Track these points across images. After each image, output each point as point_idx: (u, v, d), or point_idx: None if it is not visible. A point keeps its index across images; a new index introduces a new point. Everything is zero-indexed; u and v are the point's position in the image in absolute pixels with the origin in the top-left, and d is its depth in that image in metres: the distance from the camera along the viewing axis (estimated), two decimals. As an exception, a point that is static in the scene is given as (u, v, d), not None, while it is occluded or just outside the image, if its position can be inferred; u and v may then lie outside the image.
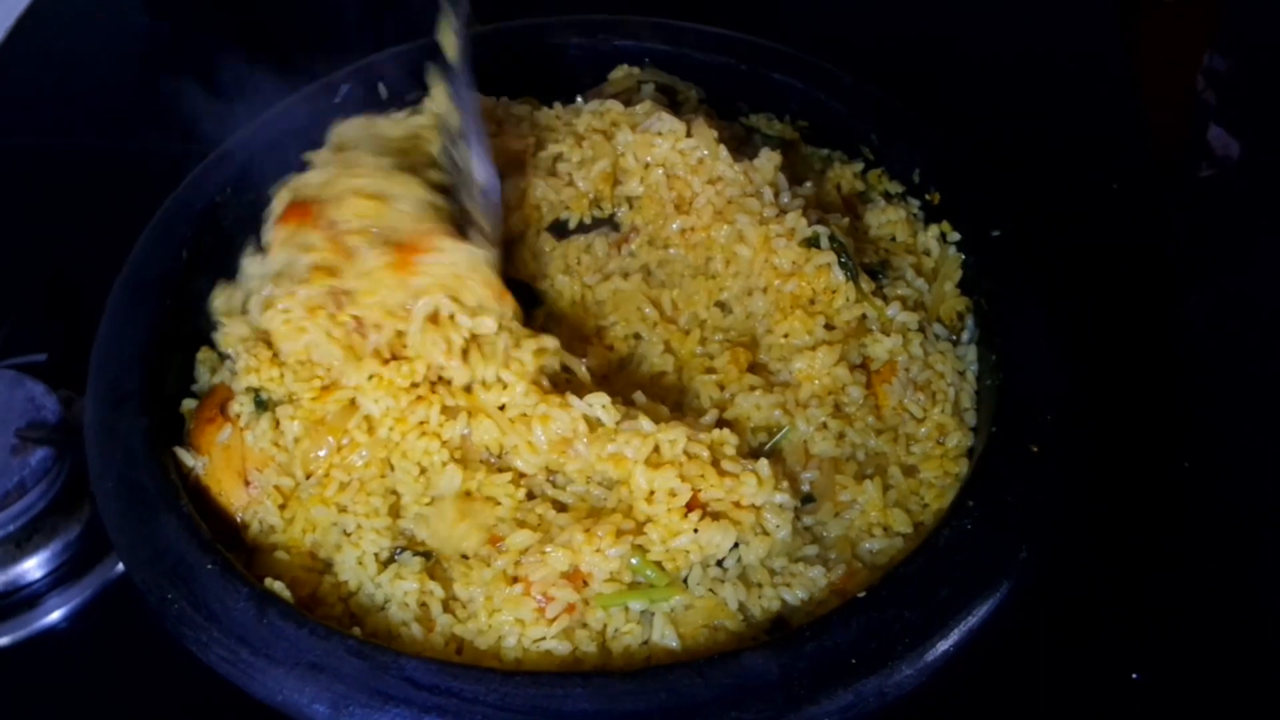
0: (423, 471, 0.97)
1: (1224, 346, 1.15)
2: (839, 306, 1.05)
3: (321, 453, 0.98)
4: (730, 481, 0.93)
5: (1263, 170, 1.14)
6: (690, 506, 0.93)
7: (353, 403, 0.98)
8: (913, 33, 1.40)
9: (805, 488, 0.98)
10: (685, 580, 0.92)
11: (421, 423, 0.97)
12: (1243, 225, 1.16)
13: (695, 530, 0.92)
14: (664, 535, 0.92)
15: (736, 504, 0.93)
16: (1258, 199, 1.15)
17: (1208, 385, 1.10)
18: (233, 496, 1.00)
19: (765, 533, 0.94)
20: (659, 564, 0.92)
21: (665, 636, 0.90)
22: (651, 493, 0.94)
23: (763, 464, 0.95)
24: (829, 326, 1.06)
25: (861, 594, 0.87)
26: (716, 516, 0.93)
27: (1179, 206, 1.21)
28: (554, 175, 1.18)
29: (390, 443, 0.98)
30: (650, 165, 1.16)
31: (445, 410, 0.98)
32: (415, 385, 0.98)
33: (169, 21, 1.51)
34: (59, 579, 1.12)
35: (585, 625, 0.91)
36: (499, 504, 0.95)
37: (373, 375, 0.97)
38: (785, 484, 0.95)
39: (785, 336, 1.05)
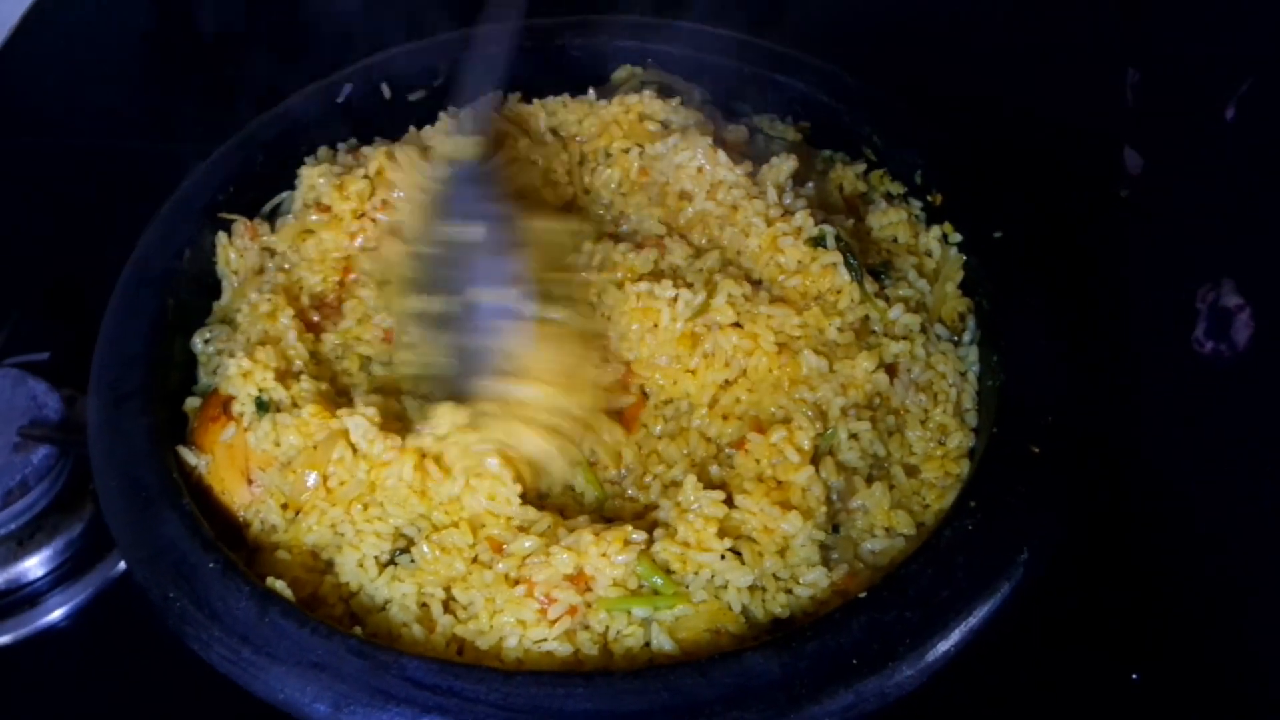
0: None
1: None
2: (843, 307, 1.05)
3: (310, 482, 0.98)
4: (775, 511, 0.93)
5: (1159, 187, 1.14)
6: (723, 533, 0.93)
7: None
8: (915, 35, 1.40)
9: (835, 497, 0.98)
10: (688, 585, 0.92)
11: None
12: (1150, 241, 1.16)
13: (723, 557, 0.91)
14: (691, 543, 0.92)
15: (767, 529, 0.93)
16: (1156, 217, 1.15)
17: (1206, 389, 1.10)
18: (235, 495, 1.00)
19: (784, 554, 0.93)
20: (667, 567, 0.92)
21: (663, 643, 0.90)
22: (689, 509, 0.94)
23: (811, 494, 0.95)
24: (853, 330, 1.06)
25: (863, 595, 0.88)
26: (750, 537, 0.93)
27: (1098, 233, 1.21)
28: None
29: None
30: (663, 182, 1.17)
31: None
32: None
33: (171, 22, 1.51)
34: (60, 577, 1.12)
35: (587, 627, 0.91)
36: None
37: None
38: (824, 507, 0.95)
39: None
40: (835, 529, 0.97)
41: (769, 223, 1.09)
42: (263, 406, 1.00)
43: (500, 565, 0.92)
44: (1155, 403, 1.11)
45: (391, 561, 0.95)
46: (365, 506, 0.96)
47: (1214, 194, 1.06)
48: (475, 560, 0.93)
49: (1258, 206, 1.01)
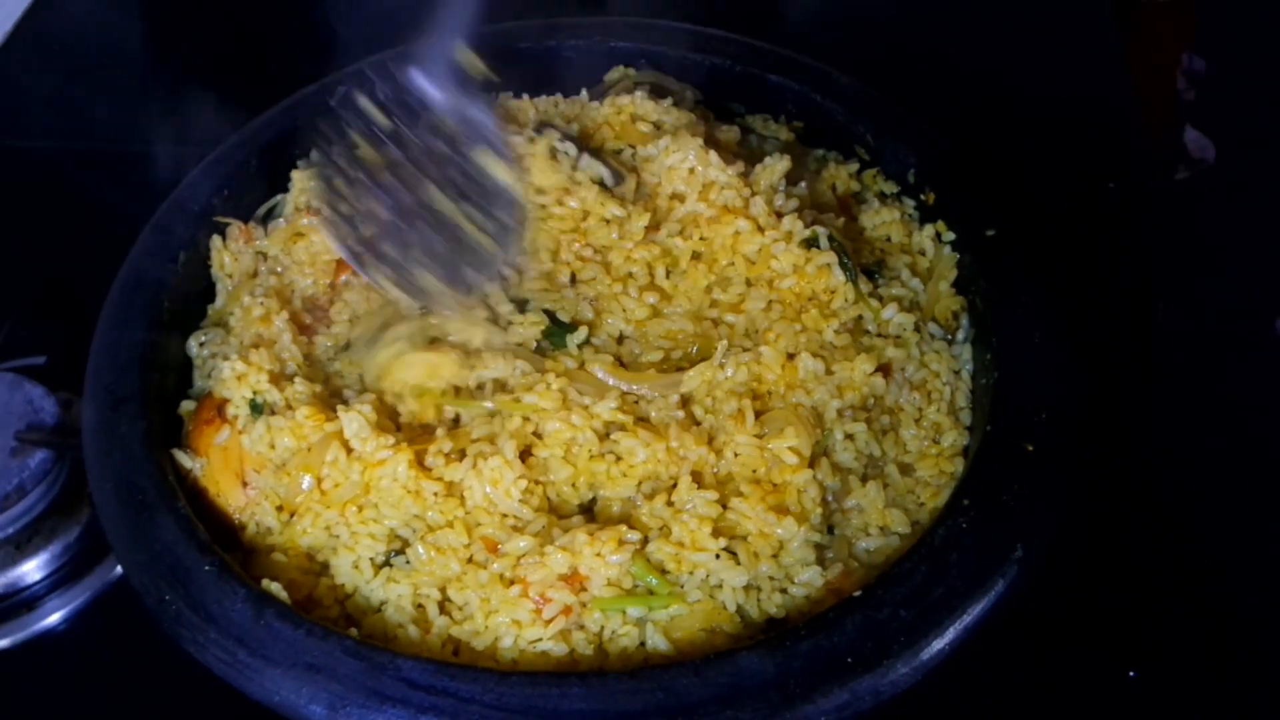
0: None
1: (1203, 350, 1.14)
2: (837, 307, 1.05)
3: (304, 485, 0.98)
4: (771, 517, 0.93)
5: (1235, 172, 1.14)
6: (717, 533, 0.93)
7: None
8: (907, 34, 1.41)
9: (830, 498, 0.98)
10: (683, 585, 0.92)
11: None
12: (1217, 228, 1.16)
13: (718, 556, 0.91)
14: (686, 543, 0.92)
15: (763, 533, 0.93)
16: (1231, 201, 1.15)
17: (1201, 387, 1.11)
18: (230, 498, 1.00)
19: (779, 555, 0.93)
20: (661, 567, 0.92)
21: (659, 643, 0.90)
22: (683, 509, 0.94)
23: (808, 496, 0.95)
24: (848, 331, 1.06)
25: (857, 593, 0.88)
26: (744, 538, 0.93)
27: (1152, 209, 1.21)
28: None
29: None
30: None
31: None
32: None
33: (166, 24, 1.51)
34: (58, 581, 1.13)
35: (582, 627, 0.91)
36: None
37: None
38: (819, 509, 0.95)
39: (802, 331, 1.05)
40: (830, 529, 0.97)
41: (761, 227, 1.08)
42: (257, 409, 1.00)
43: (495, 565, 0.92)
44: (1150, 401, 1.11)
45: (387, 563, 0.95)
46: (360, 509, 0.96)
47: None
48: (470, 560, 0.93)
49: None
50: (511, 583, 0.91)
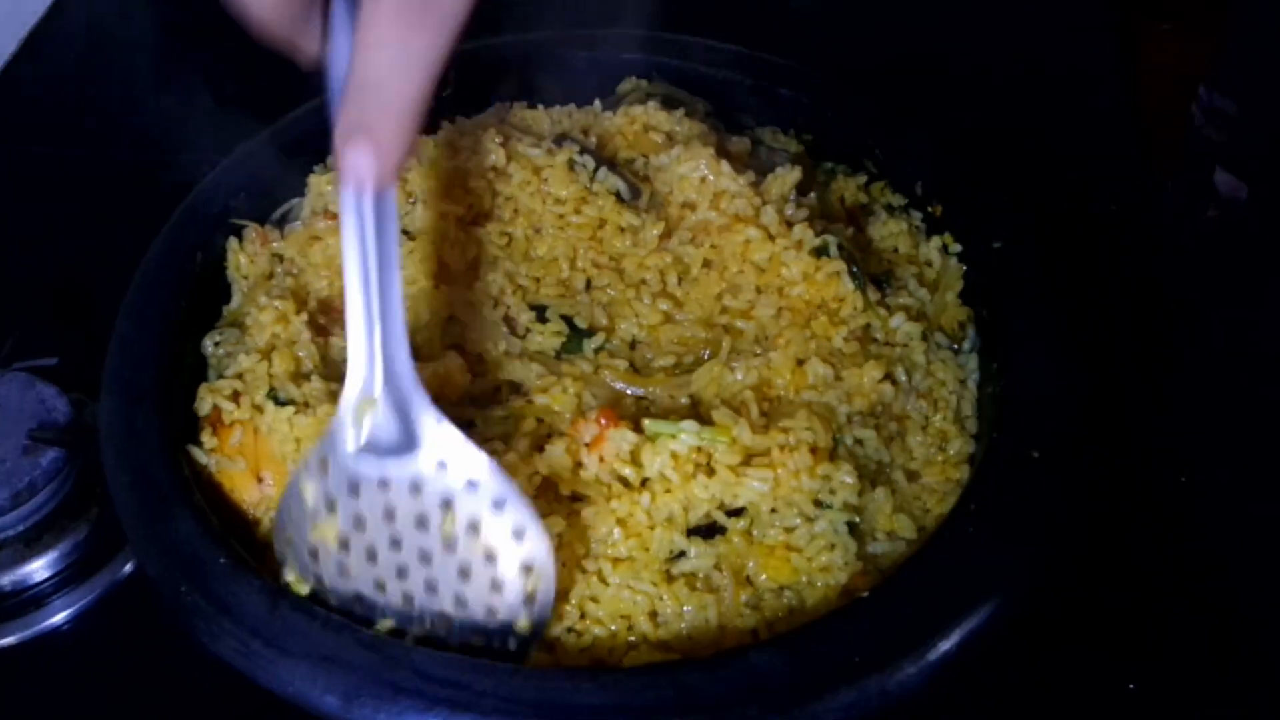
0: None
1: (1225, 378, 1.15)
2: (846, 315, 1.06)
3: None
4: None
5: (1271, 213, 1.15)
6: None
7: None
8: (916, 48, 1.42)
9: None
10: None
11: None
12: (1251, 266, 1.17)
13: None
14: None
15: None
16: (1267, 241, 1.15)
17: (1206, 399, 1.12)
18: (245, 493, 1.01)
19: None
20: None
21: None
22: None
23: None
24: (857, 339, 1.07)
25: (865, 594, 0.89)
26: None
27: (1180, 248, 1.22)
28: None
29: None
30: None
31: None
32: None
33: (181, 29, 1.52)
34: (65, 580, 1.12)
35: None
36: None
37: None
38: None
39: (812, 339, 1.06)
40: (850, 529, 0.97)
41: (771, 236, 1.10)
42: (279, 402, 1.01)
43: None
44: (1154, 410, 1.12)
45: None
46: None
47: None
48: None
49: None
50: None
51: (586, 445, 0.96)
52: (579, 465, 0.96)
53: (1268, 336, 1.11)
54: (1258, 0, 1.13)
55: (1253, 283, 1.14)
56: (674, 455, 0.94)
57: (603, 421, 0.96)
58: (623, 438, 0.95)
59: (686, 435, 0.95)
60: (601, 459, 0.96)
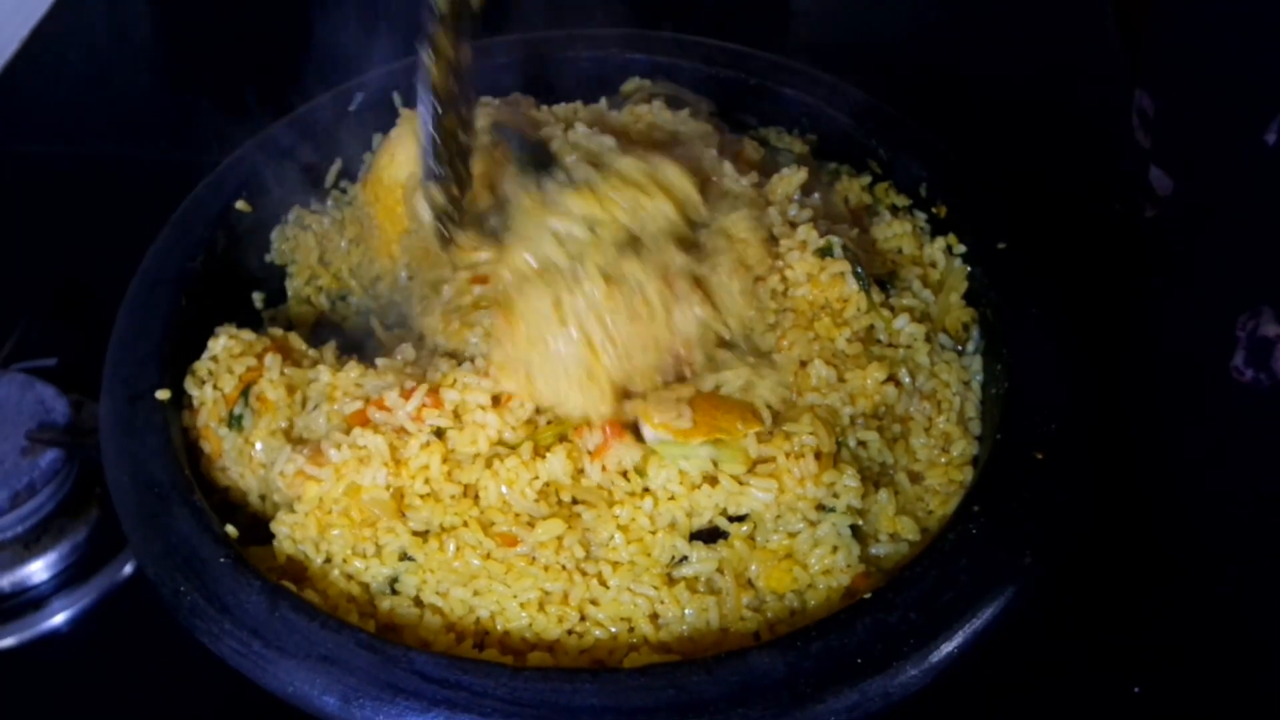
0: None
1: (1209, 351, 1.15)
2: (850, 316, 1.06)
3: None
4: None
5: (1191, 205, 1.15)
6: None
7: None
8: (919, 48, 1.42)
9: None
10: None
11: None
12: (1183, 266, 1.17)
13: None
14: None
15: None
16: (1189, 234, 1.16)
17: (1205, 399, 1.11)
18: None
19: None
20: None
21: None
22: None
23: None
24: (860, 340, 1.06)
25: (867, 595, 0.88)
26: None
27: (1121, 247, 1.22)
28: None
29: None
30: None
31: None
32: None
33: (183, 30, 1.52)
34: (65, 581, 1.13)
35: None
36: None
37: None
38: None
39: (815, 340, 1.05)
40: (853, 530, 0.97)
41: (775, 236, 1.09)
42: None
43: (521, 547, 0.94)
44: (1174, 419, 1.11)
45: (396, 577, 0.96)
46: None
47: (1251, 219, 1.06)
48: (488, 556, 0.93)
49: None
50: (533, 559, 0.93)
51: (590, 453, 0.96)
52: (580, 472, 0.96)
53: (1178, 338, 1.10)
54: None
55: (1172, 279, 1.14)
56: (680, 472, 0.94)
57: (607, 431, 0.96)
58: (626, 451, 0.95)
59: (698, 460, 0.94)
60: (604, 468, 0.95)
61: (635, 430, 0.97)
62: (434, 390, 0.97)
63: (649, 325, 0.98)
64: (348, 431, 0.96)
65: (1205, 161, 1.10)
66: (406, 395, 0.97)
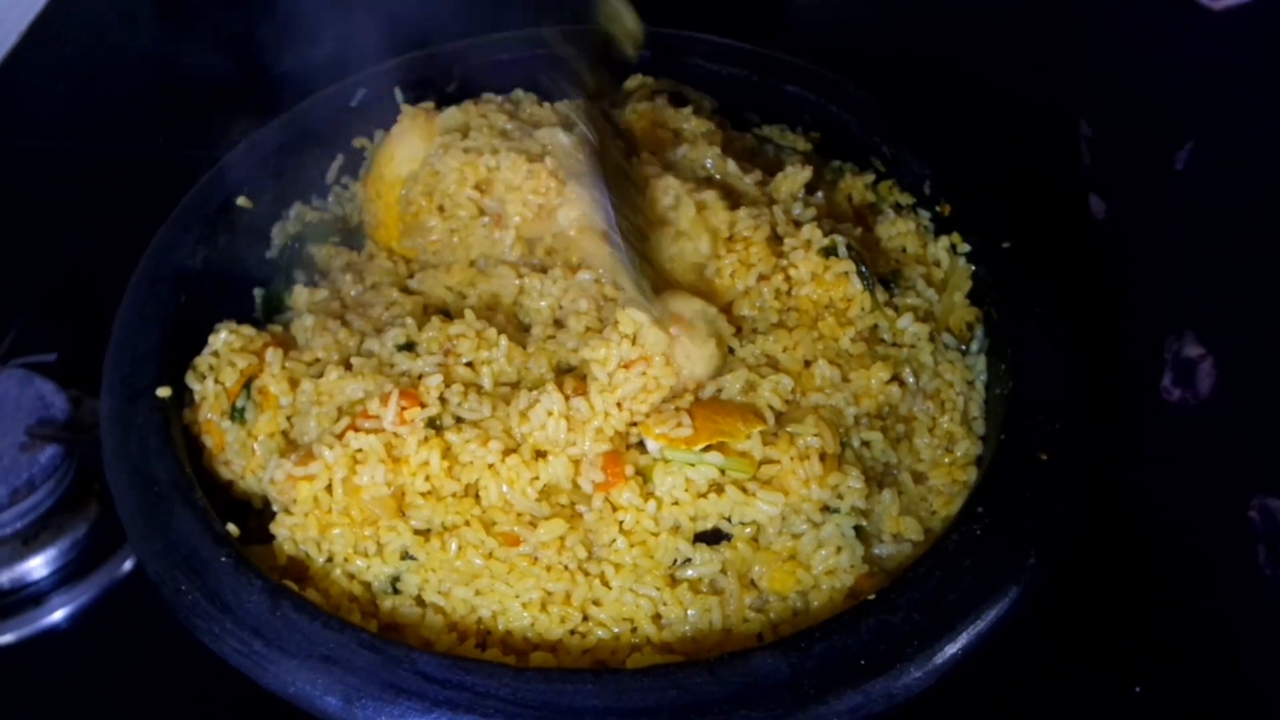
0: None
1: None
2: (854, 316, 1.06)
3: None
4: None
5: (1120, 229, 1.17)
6: None
7: None
8: (923, 46, 1.41)
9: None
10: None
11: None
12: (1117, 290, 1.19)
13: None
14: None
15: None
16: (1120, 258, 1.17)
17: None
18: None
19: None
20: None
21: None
22: None
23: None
24: (864, 340, 1.06)
25: (871, 597, 0.88)
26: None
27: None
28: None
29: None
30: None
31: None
32: None
33: (180, 27, 1.52)
34: (64, 578, 1.13)
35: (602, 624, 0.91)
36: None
37: None
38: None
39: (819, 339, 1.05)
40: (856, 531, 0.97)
41: (779, 235, 1.09)
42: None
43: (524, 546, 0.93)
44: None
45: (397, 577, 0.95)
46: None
47: (1172, 244, 1.08)
48: (490, 555, 0.93)
49: (1209, 257, 1.04)
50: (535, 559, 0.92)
51: (587, 495, 0.95)
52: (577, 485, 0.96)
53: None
54: (1108, 24, 1.15)
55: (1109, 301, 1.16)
56: (687, 480, 0.94)
57: (606, 474, 0.94)
58: (628, 489, 0.94)
59: (705, 468, 0.94)
60: (606, 501, 0.95)
61: (640, 445, 0.97)
62: (408, 393, 0.97)
63: None
64: (340, 436, 0.96)
65: (1128, 187, 1.13)
66: (384, 401, 0.96)
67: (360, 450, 0.95)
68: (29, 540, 1.13)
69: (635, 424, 0.97)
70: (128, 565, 1.12)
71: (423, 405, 0.96)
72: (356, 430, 0.95)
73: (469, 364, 1.01)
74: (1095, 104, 1.19)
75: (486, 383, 1.00)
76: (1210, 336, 1.03)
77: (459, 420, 0.97)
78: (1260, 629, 1.00)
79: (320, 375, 1.01)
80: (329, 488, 0.95)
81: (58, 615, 1.10)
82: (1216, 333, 1.02)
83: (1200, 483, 1.06)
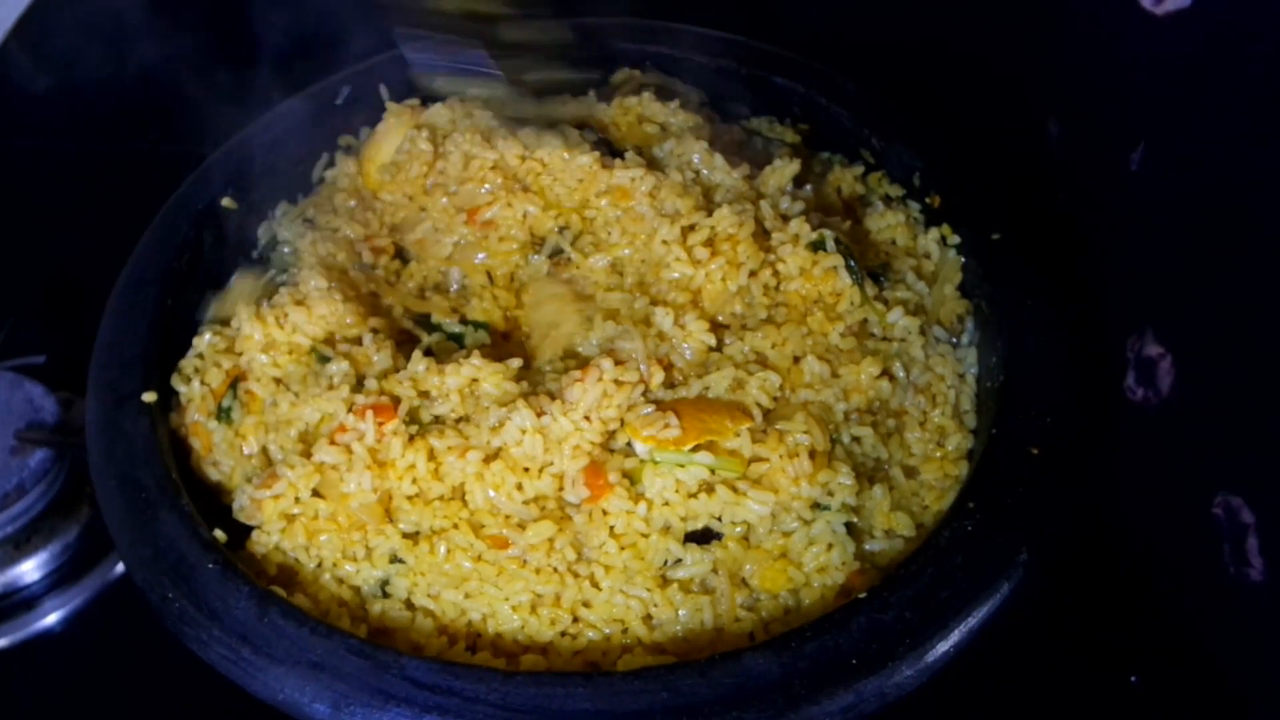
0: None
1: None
2: (843, 310, 1.05)
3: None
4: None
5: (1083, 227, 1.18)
6: None
7: None
8: (912, 36, 1.40)
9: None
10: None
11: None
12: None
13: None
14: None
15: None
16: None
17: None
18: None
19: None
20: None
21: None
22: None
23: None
24: (854, 334, 1.05)
25: (862, 595, 0.88)
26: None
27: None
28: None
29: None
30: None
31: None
32: None
33: (168, 24, 1.51)
34: (56, 581, 1.13)
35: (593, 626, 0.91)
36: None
37: None
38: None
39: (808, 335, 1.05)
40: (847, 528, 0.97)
41: (767, 230, 1.08)
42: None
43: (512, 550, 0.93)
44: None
45: (387, 580, 0.95)
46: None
47: (1130, 244, 1.09)
48: (479, 559, 0.93)
49: (1166, 256, 1.04)
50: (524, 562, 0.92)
51: (575, 505, 0.94)
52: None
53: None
54: (1068, 24, 1.16)
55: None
56: (677, 481, 0.93)
57: (590, 488, 0.94)
58: (615, 495, 0.93)
59: (695, 468, 0.94)
60: (591, 514, 0.94)
61: (630, 447, 0.96)
62: (381, 406, 0.96)
63: None
64: (306, 454, 0.96)
65: (1089, 186, 1.13)
66: (360, 414, 0.96)
67: (333, 466, 0.94)
68: (20, 544, 1.13)
69: (614, 431, 0.96)
70: (120, 569, 1.12)
71: (393, 419, 0.96)
72: (334, 444, 0.95)
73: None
74: (1060, 103, 1.19)
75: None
76: (1168, 335, 1.03)
77: (438, 419, 0.97)
78: (1230, 625, 1.00)
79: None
80: (298, 499, 0.95)
81: (50, 619, 1.11)
82: (1174, 332, 1.03)
83: (1166, 481, 1.06)
